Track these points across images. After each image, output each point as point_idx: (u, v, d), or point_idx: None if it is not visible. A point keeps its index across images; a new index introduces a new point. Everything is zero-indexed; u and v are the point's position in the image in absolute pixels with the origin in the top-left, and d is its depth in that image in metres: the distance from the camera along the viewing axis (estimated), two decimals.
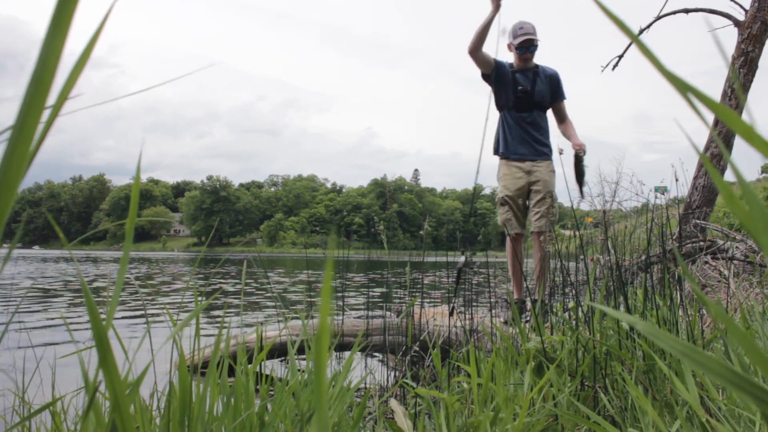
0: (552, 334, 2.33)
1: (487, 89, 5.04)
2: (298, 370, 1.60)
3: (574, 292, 2.49)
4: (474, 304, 3.92)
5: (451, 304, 3.36)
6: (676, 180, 4.06)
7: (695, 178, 7.73)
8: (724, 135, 7.27)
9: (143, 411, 1.06)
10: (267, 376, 1.76)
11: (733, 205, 0.40)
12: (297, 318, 4.62)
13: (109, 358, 0.47)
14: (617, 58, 9.24)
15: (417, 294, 3.87)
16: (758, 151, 0.34)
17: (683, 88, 0.31)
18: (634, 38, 0.31)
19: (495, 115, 5.27)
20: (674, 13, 8.59)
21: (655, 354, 1.99)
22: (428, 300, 6.64)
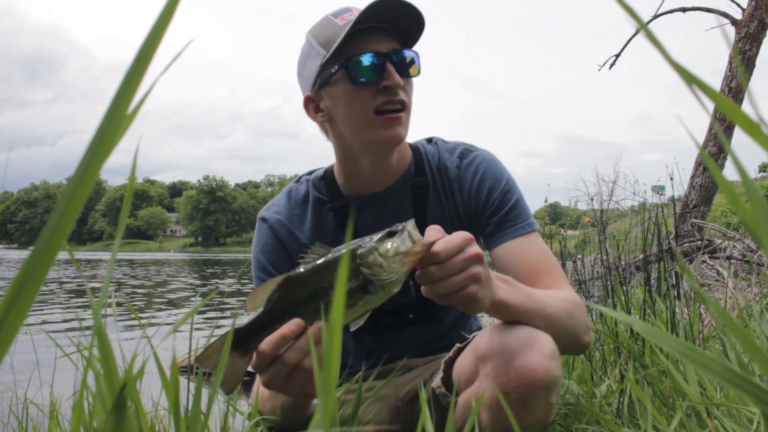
0: None
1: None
2: None
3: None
4: None
5: None
6: (671, 179, 4.06)
7: (692, 177, 7.74)
8: (723, 130, 7.30)
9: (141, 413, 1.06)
10: None
11: (734, 201, 0.40)
12: None
13: (109, 353, 0.47)
14: (614, 57, 9.26)
15: None
16: (760, 145, 0.34)
17: (689, 78, 0.30)
18: (643, 26, 0.31)
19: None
20: (671, 11, 8.61)
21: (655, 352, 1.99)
22: None
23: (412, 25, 1.60)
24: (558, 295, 1.49)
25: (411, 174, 1.77)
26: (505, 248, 1.65)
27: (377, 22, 1.57)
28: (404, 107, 1.61)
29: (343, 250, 1.17)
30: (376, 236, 1.15)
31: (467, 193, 1.74)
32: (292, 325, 1.15)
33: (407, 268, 1.14)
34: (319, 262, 1.18)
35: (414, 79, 1.72)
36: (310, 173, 1.87)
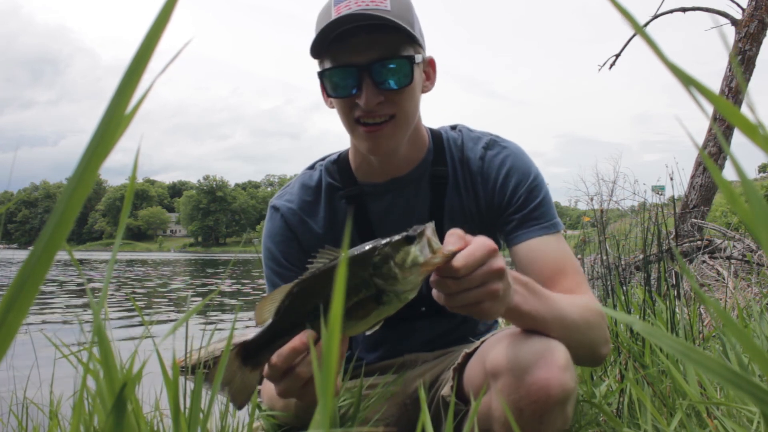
0: None
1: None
2: None
3: None
4: None
5: None
6: (671, 179, 4.06)
7: (692, 177, 7.73)
8: (722, 133, 7.30)
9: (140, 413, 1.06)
10: None
11: (733, 202, 0.40)
12: None
13: (109, 354, 0.47)
14: (614, 57, 9.25)
15: None
16: (758, 147, 0.34)
17: (686, 80, 0.30)
18: (639, 29, 0.31)
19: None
20: (671, 11, 8.60)
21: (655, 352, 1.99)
22: None
23: (393, 29, 1.45)
24: (579, 302, 1.39)
25: (429, 162, 1.69)
26: (528, 246, 1.57)
27: (354, 22, 1.44)
28: (391, 117, 1.51)
29: (346, 255, 1.09)
30: (392, 240, 1.05)
31: (491, 188, 1.65)
32: (303, 336, 1.09)
33: (423, 278, 1.05)
34: (327, 267, 1.09)
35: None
36: (323, 158, 1.81)
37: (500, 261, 1.09)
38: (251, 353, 1.14)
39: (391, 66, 1.47)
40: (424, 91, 1.64)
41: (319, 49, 1.50)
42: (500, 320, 2.22)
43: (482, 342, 1.46)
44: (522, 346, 1.27)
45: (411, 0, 1.56)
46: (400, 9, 1.47)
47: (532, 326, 1.28)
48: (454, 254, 1.05)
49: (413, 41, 1.50)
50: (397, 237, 1.05)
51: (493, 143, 1.70)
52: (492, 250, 1.08)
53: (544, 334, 1.29)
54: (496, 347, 1.32)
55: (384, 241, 1.06)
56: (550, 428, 1.23)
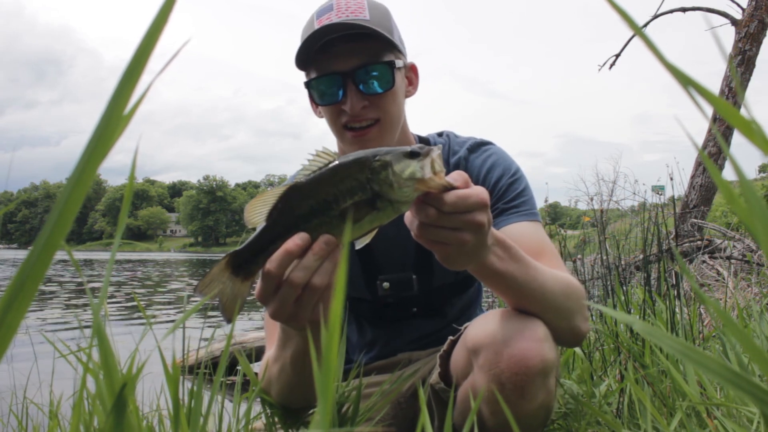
0: None
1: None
2: None
3: None
4: None
5: None
6: (671, 179, 4.06)
7: (692, 177, 7.73)
8: (722, 134, 7.30)
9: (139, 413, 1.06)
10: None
11: (732, 202, 0.40)
12: None
13: (109, 353, 0.47)
14: (614, 57, 9.26)
15: None
16: (757, 147, 0.34)
17: (685, 81, 0.30)
18: (638, 30, 0.31)
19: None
20: (671, 11, 8.60)
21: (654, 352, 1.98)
22: None
23: (373, 37, 1.53)
24: (559, 275, 1.40)
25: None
26: (507, 230, 1.60)
27: (335, 32, 1.51)
28: (376, 121, 1.59)
29: (352, 158, 1.05)
30: (396, 150, 1.04)
31: (474, 182, 1.70)
32: (297, 239, 1.03)
33: (418, 194, 1.03)
34: (324, 170, 1.05)
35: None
36: None
37: (484, 217, 1.08)
38: (243, 262, 1.09)
39: (373, 71, 1.55)
40: (407, 96, 1.72)
41: (303, 60, 1.59)
42: None
43: (465, 327, 1.48)
44: (500, 322, 1.31)
45: (389, 10, 1.65)
46: (379, 18, 1.56)
47: (505, 288, 1.28)
48: (451, 188, 1.04)
49: (393, 48, 1.59)
50: (402, 148, 1.04)
51: (477, 146, 1.79)
52: (483, 204, 1.07)
53: (523, 310, 1.32)
54: (477, 326, 1.36)
55: (387, 149, 1.05)
56: (532, 402, 1.25)
